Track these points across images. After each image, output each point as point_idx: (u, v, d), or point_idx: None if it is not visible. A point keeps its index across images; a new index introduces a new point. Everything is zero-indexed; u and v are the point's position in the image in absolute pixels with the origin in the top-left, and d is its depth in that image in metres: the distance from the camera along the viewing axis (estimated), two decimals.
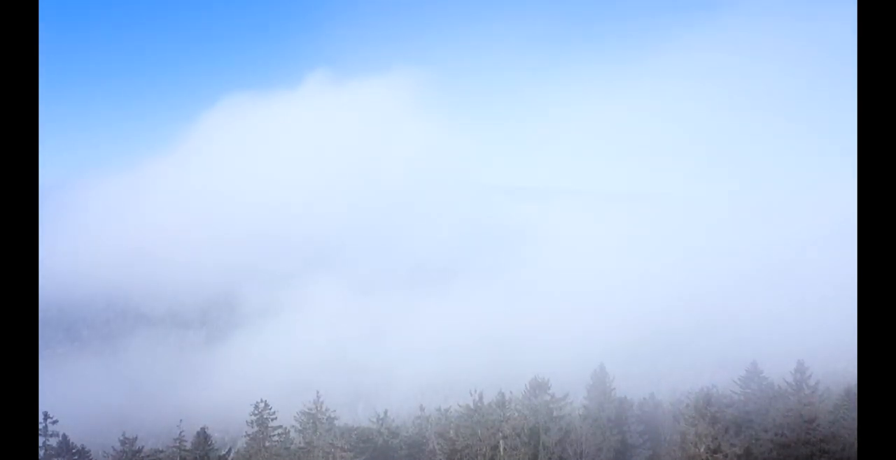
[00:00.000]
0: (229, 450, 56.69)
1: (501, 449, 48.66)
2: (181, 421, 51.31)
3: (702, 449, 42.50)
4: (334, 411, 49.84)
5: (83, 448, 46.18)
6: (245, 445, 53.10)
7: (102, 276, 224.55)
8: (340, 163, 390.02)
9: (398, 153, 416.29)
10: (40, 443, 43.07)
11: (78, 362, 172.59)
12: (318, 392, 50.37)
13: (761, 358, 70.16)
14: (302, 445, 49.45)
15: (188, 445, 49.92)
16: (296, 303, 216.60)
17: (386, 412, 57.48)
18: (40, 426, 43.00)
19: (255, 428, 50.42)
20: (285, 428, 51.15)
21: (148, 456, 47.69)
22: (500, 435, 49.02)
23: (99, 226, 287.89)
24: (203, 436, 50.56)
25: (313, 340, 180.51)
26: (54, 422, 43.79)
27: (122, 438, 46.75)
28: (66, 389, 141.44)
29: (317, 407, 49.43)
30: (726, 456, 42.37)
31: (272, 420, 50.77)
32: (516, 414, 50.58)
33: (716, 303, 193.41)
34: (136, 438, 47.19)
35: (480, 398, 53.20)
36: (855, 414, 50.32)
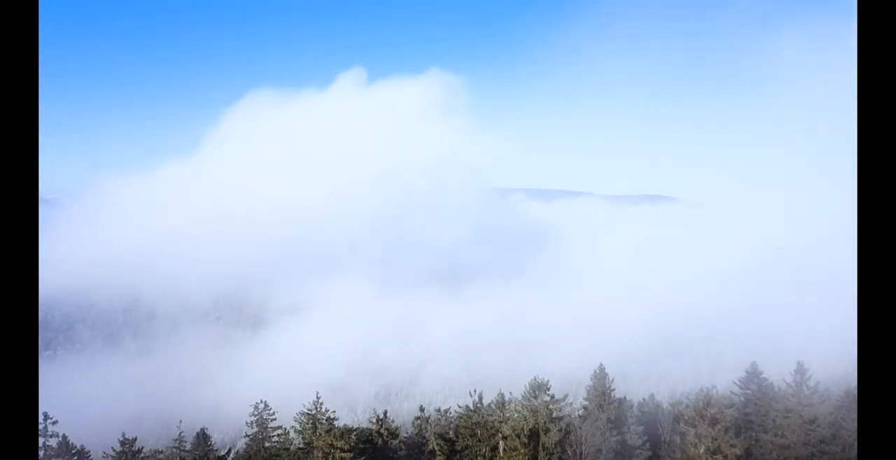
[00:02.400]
0: (229, 451, 56.60)
1: (501, 450, 48.62)
2: (181, 421, 51.28)
3: (701, 450, 42.52)
4: (333, 411, 49.80)
5: (83, 448, 46.05)
6: (244, 446, 53.08)
7: (122, 276, 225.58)
8: (365, 164, 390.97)
9: (423, 156, 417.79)
10: (40, 444, 42.98)
11: (106, 362, 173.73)
12: (317, 392, 50.30)
13: (761, 360, 70.13)
14: (301, 446, 49.41)
15: (188, 446, 49.86)
16: (317, 302, 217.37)
17: (385, 412, 57.37)
18: (40, 426, 42.93)
19: (255, 429, 50.43)
20: (285, 428, 51.14)
21: (147, 456, 47.57)
22: (500, 435, 48.99)
23: (119, 227, 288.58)
24: (202, 437, 50.49)
25: (335, 340, 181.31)
26: (54, 423, 43.69)
27: (121, 439, 46.65)
28: (95, 388, 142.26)
29: (316, 408, 49.38)
30: (726, 456, 42.38)
31: (272, 420, 50.76)
32: (516, 414, 50.53)
33: (716, 305, 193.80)
34: (135, 439, 47.08)
35: (480, 399, 53.19)
36: (855, 415, 50.35)
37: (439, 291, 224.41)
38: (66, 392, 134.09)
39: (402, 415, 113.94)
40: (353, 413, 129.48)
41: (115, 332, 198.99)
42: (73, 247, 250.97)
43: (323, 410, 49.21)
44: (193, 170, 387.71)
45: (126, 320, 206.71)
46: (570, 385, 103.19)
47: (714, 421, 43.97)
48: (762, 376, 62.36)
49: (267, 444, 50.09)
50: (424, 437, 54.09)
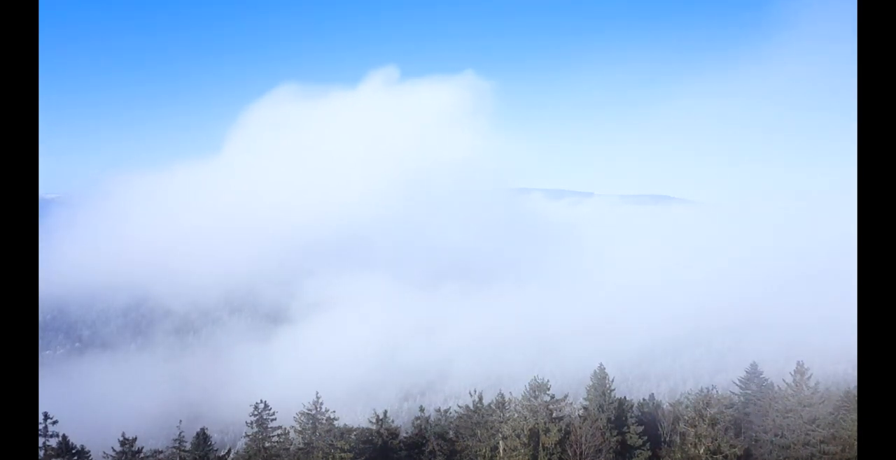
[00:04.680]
0: (228, 451, 56.54)
1: (501, 450, 48.61)
2: (181, 421, 51.14)
3: (701, 450, 42.52)
4: (334, 411, 49.72)
5: (83, 448, 45.91)
6: (244, 446, 52.98)
7: (142, 274, 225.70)
8: (388, 163, 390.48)
9: (445, 156, 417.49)
10: (40, 444, 42.89)
11: (136, 362, 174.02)
12: (317, 392, 50.21)
13: (761, 360, 70.21)
14: (301, 446, 49.36)
15: (188, 446, 49.76)
16: (338, 301, 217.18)
17: (385, 412, 57.34)
18: (40, 426, 42.84)
19: (255, 429, 50.33)
20: (284, 428, 51.02)
21: (147, 456, 47.46)
22: (500, 435, 48.98)
23: (140, 226, 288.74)
24: (202, 437, 50.40)
25: (356, 339, 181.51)
26: (54, 423, 43.57)
27: (121, 439, 46.51)
28: (127, 387, 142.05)
29: (316, 408, 49.32)
30: (726, 456, 42.38)
31: (271, 420, 50.64)
32: (516, 414, 50.52)
33: (717, 305, 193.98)
34: (135, 438, 46.94)
35: (480, 399, 53.16)
36: (855, 415, 50.34)
37: (459, 289, 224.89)
38: (70, 391, 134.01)
39: (402, 416, 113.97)
40: (352, 412, 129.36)
41: (145, 332, 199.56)
42: (92, 247, 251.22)
43: (323, 410, 49.17)
44: (216, 168, 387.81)
45: (146, 319, 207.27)
46: (576, 384, 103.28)
47: (714, 421, 43.98)
48: (762, 376, 62.41)
49: (267, 444, 50.00)
50: (424, 437, 54.05)
